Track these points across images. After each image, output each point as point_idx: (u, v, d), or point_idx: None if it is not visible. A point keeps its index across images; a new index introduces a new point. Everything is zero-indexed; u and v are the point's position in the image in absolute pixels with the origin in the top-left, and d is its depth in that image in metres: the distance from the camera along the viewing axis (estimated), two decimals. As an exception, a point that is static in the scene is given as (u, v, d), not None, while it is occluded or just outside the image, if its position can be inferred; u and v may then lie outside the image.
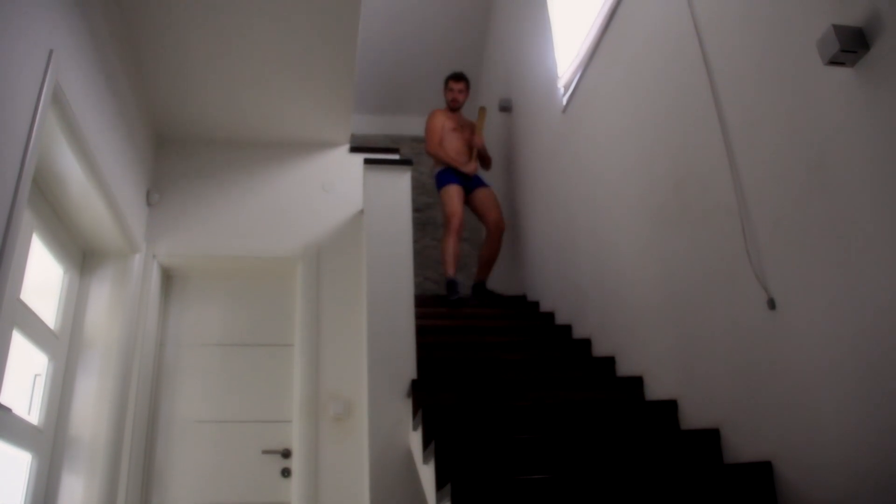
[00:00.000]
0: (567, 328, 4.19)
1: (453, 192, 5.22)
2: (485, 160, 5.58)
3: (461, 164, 5.32)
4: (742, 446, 2.51)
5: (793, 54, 2.22)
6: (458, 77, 5.62)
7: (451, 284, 4.91)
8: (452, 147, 5.43)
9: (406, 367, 3.45)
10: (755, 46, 2.45)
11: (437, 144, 5.39)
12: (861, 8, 1.91)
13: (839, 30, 1.91)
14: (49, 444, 3.45)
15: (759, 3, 2.42)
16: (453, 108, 5.58)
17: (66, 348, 3.66)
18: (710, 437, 2.62)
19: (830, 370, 2.08)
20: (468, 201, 5.33)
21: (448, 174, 5.32)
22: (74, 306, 3.78)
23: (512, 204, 5.80)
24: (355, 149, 4.94)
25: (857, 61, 1.93)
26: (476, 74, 7.30)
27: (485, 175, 5.73)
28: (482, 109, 5.69)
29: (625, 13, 3.55)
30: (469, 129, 5.57)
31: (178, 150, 4.68)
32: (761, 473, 2.31)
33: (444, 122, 5.47)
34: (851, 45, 1.90)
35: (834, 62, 1.96)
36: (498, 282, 6.35)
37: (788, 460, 2.26)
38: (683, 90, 2.95)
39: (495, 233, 5.26)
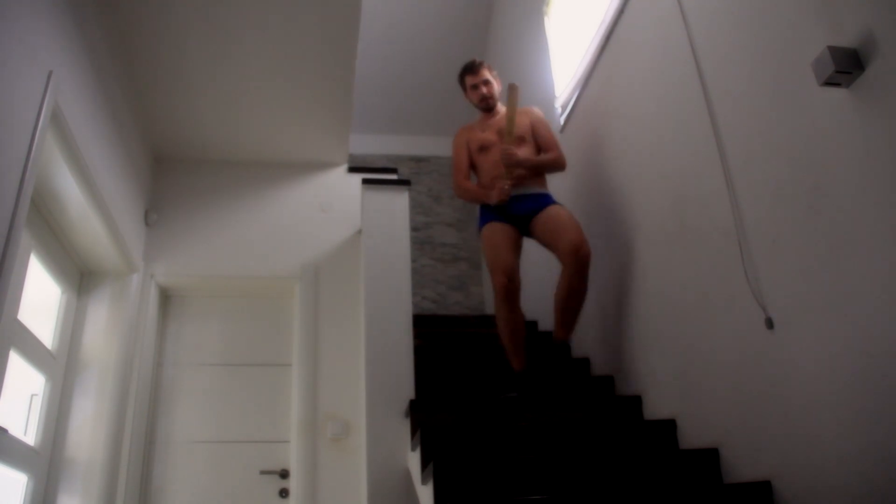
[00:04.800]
0: (565, 346, 4.18)
1: (492, 235, 3.60)
2: (538, 164, 3.72)
3: (486, 197, 3.68)
4: (741, 466, 2.50)
5: (788, 76, 2.24)
6: (474, 68, 3.92)
7: (519, 379, 3.46)
8: (487, 170, 3.79)
9: (404, 386, 3.44)
10: (751, 68, 2.47)
11: (464, 178, 3.86)
12: (855, 29, 1.92)
13: (834, 51, 1.93)
14: (45, 465, 3.43)
15: (755, 24, 2.44)
16: (487, 107, 3.92)
17: (63, 369, 3.65)
18: (710, 457, 2.61)
19: (829, 389, 2.08)
20: (531, 234, 3.66)
21: (485, 210, 3.73)
22: (72, 326, 3.77)
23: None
24: (353, 169, 4.95)
25: (852, 82, 1.95)
26: (474, 94, 7.33)
27: (549, 181, 3.82)
28: (512, 88, 3.71)
29: (622, 34, 3.58)
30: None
31: (176, 171, 4.68)
32: (761, 493, 2.31)
33: (469, 142, 3.91)
34: (846, 66, 1.91)
35: (829, 83, 1.97)
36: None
37: (788, 480, 2.25)
38: (680, 111, 2.97)
39: (572, 260, 3.37)
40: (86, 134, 3.20)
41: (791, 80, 2.22)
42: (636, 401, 3.25)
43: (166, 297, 4.53)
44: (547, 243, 3.57)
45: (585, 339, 3.96)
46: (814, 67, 2.01)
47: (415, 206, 6.82)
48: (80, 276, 3.90)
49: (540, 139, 3.78)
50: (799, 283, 2.21)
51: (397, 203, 3.93)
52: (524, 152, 3.69)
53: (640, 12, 3.38)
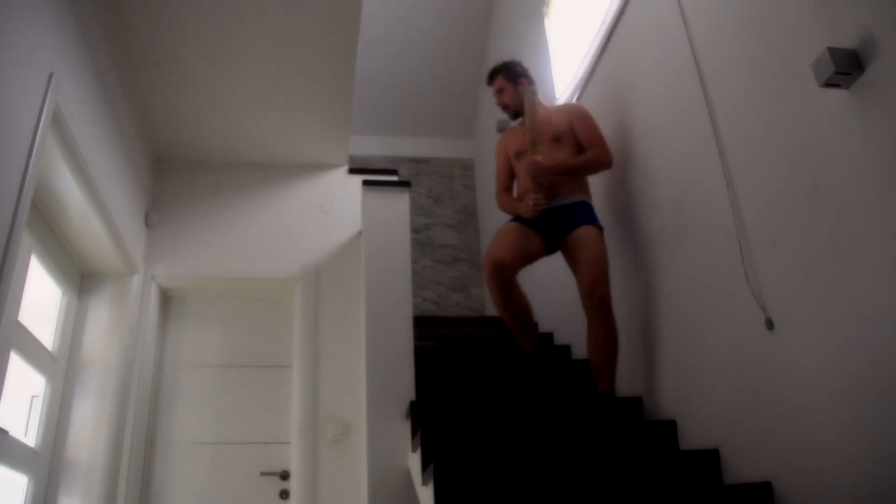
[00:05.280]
0: (566, 348, 4.18)
1: (504, 230, 3.46)
2: (572, 167, 3.43)
3: (521, 209, 3.46)
4: (742, 467, 2.50)
5: (788, 77, 2.24)
6: (488, 78, 3.78)
7: (533, 357, 3.37)
8: (521, 178, 3.59)
9: (405, 388, 3.43)
10: (751, 69, 2.47)
11: (503, 188, 3.71)
12: (855, 30, 1.92)
13: (834, 52, 1.93)
14: (46, 467, 3.43)
15: (755, 25, 2.44)
16: (511, 115, 3.74)
17: (63, 370, 3.65)
18: (710, 458, 2.61)
19: (830, 390, 2.08)
20: (564, 252, 3.42)
21: (515, 217, 3.52)
22: (72, 328, 3.77)
23: (510, 224, 5.81)
24: (354, 170, 4.95)
25: (851, 83, 1.95)
26: (473, 95, 7.34)
27: (589, 190, 3.53)
28: (526, 95, 3.56)
29: (622, 35, 3.58)
30: (549, 130, 3.50)
31: (176, 172, 4.69)
32: (761, 494, 2.30)
33: (507, 147, 3.71)
34: (846, 67, 1.92)
35: (829, 84, 1.97)
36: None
37: (789, 481, 2.25)
38: (680, 112, 2.97)
39: (587, 302, 3.18)
40: (86, 135, 3.20)
41: (791, 81, 2.22)
42: (636, 402, 3.25)
43: (167, 299, 4.53)
44: (572, 270, 3.35)
45: (585, 337, 3.96)
46: (814, 68, 2.01)
47: (415, 208, 6.83)
48: (80, 278, 3.90)
49: (581, 137, 3.47)
50: (799, 284, 2.22)
51: (398, 204, 3.93)
52: (561, 154, 3.41)
53: (640, 13, 3.38)
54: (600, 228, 3.36)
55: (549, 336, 4.53)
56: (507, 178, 3.69)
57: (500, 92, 3.69)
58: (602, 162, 3.42)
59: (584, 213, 3.38)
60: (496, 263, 3.27)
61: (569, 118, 3.52)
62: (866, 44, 1.89)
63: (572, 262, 3.32)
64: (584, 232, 3.31)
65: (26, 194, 2.55)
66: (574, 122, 3.50)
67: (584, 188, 3.48)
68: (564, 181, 3.40)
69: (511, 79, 3.67)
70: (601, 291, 3.14)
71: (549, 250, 3.45)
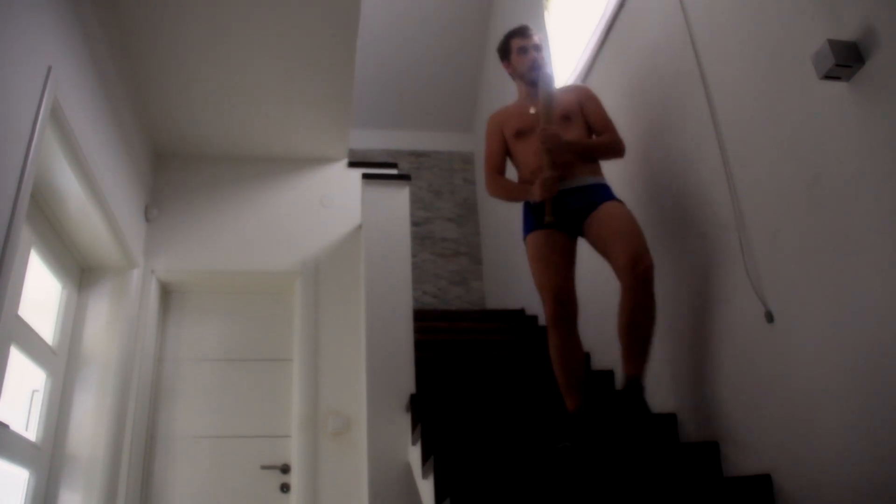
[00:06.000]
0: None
1: (538, 248, 2.98)
2: (592, 147, 3.10)
3: (527, 193, 3.05)
4: (741, 459, 2.50)
5: (788, 69, 2.23)
6: (523, 30, 3.31)
7: (576, 421, 2.81)
8: (526, 161, 3.16)
9: (405, 381, 3.44)
10: (751, 61, 2.46)
11: (497, 171, 3.23)
12: (856, 23, 1.92)
13: (834, 44, 1.92)
14: (47, 461, 3.43)
15: (755, 18, 2.44)
16: (535, 80, 3.18)
17: (64, 364, 3.65)
18: (710, 450, 2.62)
19: (829, 383, 2.08)
20: (585, 236, 3.01)
21: (529, 213, 3.09)
22: (72, 322, 3.77)
23: (511, 217, 5.80)
24: (354, 164, 4.94)
25: (852, 76, 1.94)
26: (474, 89, 7.33)
27: (605, 170, 3.15)
28: (541, 77, 3.16)
29: (622, 29, 3.57)
30: (560, 108, 3.13)
31: (176, 166, 4.68)
32: (761, 487, 2.31)
33: (504, 127, 3.26)
34: (846, 59, 1.91)
35: (829, 76, 1.97)
36: (497, 295, 6.36)
37: (788, 474, 2.25)
38: (680, 105, 2.96)
39: (629, 275, 2.73)
40: (85, 129, 3.20)
41: (791, 73, 2.22)
42: (636, 395, 3.25)
43: (167, 293, 4.53)
44: (601, 251, 2.94)
45: (585, 333, 3.95)
46: (814, 60, 2.00)
47: (415, 201, 6.81)
48: (80, 272, 3.90)
49: (592, 119, 3.14)
50: (799, 277, 2.21)
51: (397, 198, 3.93)
52: (575, 134, 3.08)
53: (640, 6, 3.37)
54: (622, 202, 3.00)
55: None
56: (501, 160, 3.24)
57: (536, 48, 3.22)
58: (618, 148, 3.11)
59: (604, 192, 3.00)
60: (560, 295, 2.81)
61: (577, 97, 3.20)
62: (866, 36, 1.89)
63: (601, 240, 2.89)
64: (611, 206, 2.93)
65: (25, 189, 2.55)
66: (584, 102, 3.18)
67: (599, 171, 3.10)
68: (578, 162, 3.03)
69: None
70: (646, 263, 2.72)
71: (569, 237, 3.01)
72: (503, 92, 6.25)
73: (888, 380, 1.85)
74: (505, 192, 3.20)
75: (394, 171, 4.67)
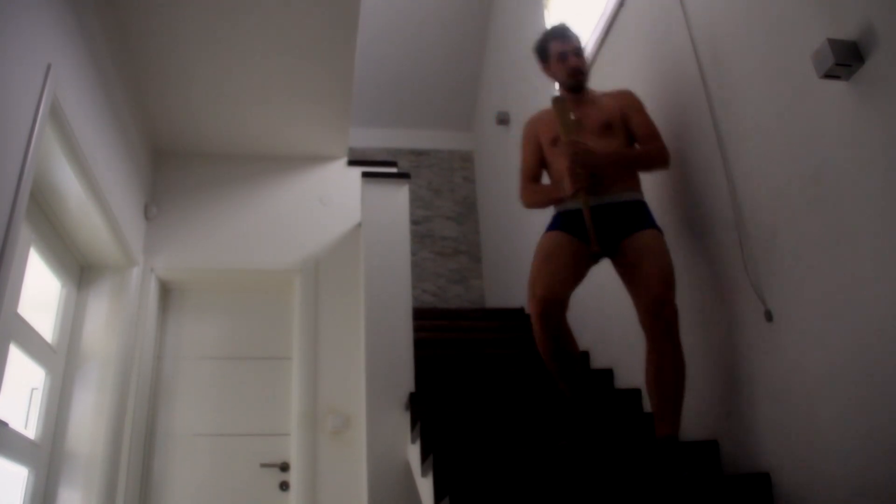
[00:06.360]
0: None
1: (548, 244, 2.78)
2: (630, 159, 2.90)
3: (558, 189, 2.85)
4: (740, 458, 2.50)
5: (788, 68, 2.23)
6: (564, 32, 3.05)
7: (575, 407, 2.74)
8: (559, 169, 2.88)
9: (404, 379, 3.44)
10: (752, 60, 2.46)
11: (528, 182, 3.03)
12: (855, 22, 1.92)
13: (834, 43, 1.92)
14: (46, 459, 3.44)
15: (755, 17, 2.43)
16: (576, 84, 2.98)
17: (63, 362, 3.65)
18: (709, 449, 2.62)
19: (828, 382, 2.08)
20: (615, 260, 2.78)
21: (555, 218, 2.88)
22: (72, 320, 3.77)
23: (510, 216, 5.81)
24: (353, 162, 4.94)
25: (851, 75, 1.94)
26: (473, 88, 7.33)
27: (641, 187, 2.91)
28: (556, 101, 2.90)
29: (621, 27, 3.57)
30: (600, 117, 2.92)
31: (175, 164, 4.68)
32: (760, 485, 2.31)
33: (539, 134, 3.04)
34: (846, 58, 1.91)
35: (829, 76, 1.97)
36: (496, 294, 6.36)
37: (787, 472, 2.26)
38: (680, 104, 2.96)
39: (651, 320, 2.56)
40: (85, 127, 3.20)
41: (791, 72, 2.22)
42: (636, 393, 3.26)
43: (166, 291, 4.53)
44: (625, 282, 2.72)
45: (585, 331, 3.96)
46: (813, 60, 2.00)
47: (415, 200, 6.81)
48: (79, 270, 3.90)
49: (635, 128, 2.90)
50: (799, 275, 2.22)
51: (397, 196, 3.93)
52: (615, 144, 2.86)
53: (640, 4, 3.37)
54: (661, 231, 2.77)
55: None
56: (537, 168, 3.02)
57: (577, 54, 2.99)
58: (663, 158, 2.84)
59: (643, 215, 2.77)
60: (544, 302, 2.60)
61: (620, 104, 2.95)
62: (866, 35, 1.89)
63: (630, 272, 2.68)
64: (648, 237, 2.70)
65: (25, 186, 2.55)
66: (627, 110, 2.94)
67: (638, 185, 2.87)
68: (617, 175, 2.80)
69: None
70: (670, 308, 2.53)
71: (594, 258, 2.80)
72: (503, 90, 6.26)
73: (887, 379, 1.85)
74: (539, 195, 2.99)
75: (393, 170, 4.67)
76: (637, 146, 2.90)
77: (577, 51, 2.99)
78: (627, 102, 2.97)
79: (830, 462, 2.06)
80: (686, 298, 2.91)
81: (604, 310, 3.72)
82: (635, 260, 2.66)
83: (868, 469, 1.92)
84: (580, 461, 2.52)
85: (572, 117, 2.83)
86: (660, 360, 2.52)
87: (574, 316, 3.32)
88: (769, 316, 2.34)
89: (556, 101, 2.87)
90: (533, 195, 3.00)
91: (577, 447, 2.55)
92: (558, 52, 2.98)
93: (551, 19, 4.91)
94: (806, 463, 2.17)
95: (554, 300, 2.60)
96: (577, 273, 2.73)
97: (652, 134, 2.88)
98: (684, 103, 2.92)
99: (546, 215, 2.96)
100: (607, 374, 3.57)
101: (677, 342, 2.53)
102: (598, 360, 3.77)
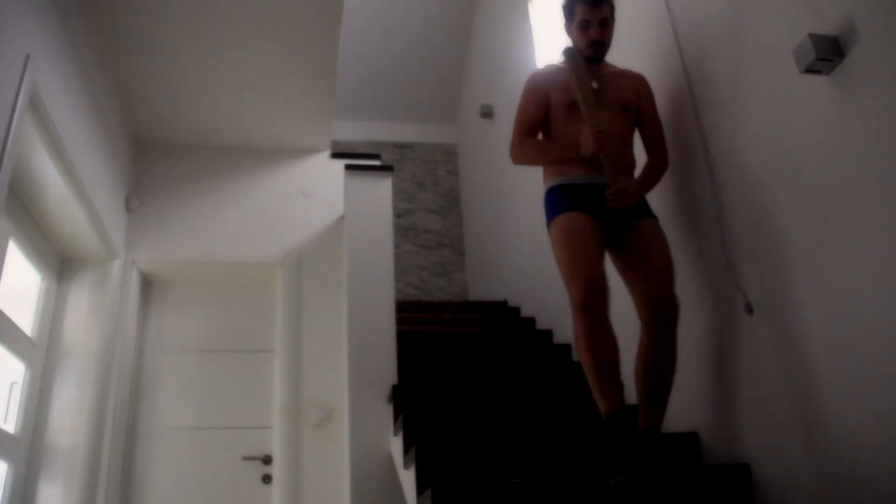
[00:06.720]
0: (548, 333, 4.20)
1: (571, 229, 2.56)
2: (653, 185, 2.77)
3: (571, 148, 2.63)
4: (721, 449, 2.52)
5: (770, 63, 2.24)
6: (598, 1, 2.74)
7: (612, 425, 2.35)
8: (572, 139, 2.63)
9: (387, 372, 3.44)
10: (733, 55, 2.47)
11: (528, 134, 2.77)
12: (836, 17, 1.93)
13: (815, 38, 1.93)
14: (26, 453, 3.41)
15: (737, 12, 2.44)
16: (595, 56, 2.77)
17: (43, 356, 3.62)
18: (690, 441, 2.64)
19: (807, 375, 2.10)
20: (616, 247, 2.64)
21: (559, 193, 2.68)
22: (52, 313, 3.74)
23: (494, 209, 5.81)
24: (336, 155, 4.93)
25: (832, 70, 1.95)
26: (457, 81, 7.32)
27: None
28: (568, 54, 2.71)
29: (604, 20, 3.57)
30: (618, 95, 2.75)
31: (157, 156, 4.64)
32: (740, 476, 2.33)
33: (551, 90, 2.78)
34: (827, 53, 1.92)
35: (810, 70, 1.98)
36: (479, 287, 6.36)
37: (766, 463, 2.28)
38: (663, 97, 2.97)
39: (650, 313, 2.48)
40: (65, 118, 3.17)
41: (772, 67, 2.23)
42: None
43: (148, 284, 4.50)
44: (623, 270, 2.62)
45: (567, 324, 3.97)
46: (795, 55, 2.01)
47: (398, 193, 6.82)
48: (60, 263, 3.87)
49: (644, 120, 2.78)
50: (779, 269, 2.23)
51: (380, 189, 3.92)
52: (628, 131, 2.74)
53: (624, 0, 3.38)
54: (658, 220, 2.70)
55: (531, 321, 4.54)
56: (537, 124, 2.76)
57: (603, 24, 2.74)
58: (667, 164, 2.80)
59: (643, 201, 2.68)
60: (595, 280, 2.41)
61: (636, 88, 2.80)
62: (847, 30, 1.90)
63: (632, 261, 2.56)
64: (652, 227, 2.62)
65: (3, 178, 2.52)
66: (641, 98, 2.79)
67: (634, 167, 2.76)
68: (626, 153, 2.70)
69: (614, 15, 2.80)
70: (675, 303, 2.46)
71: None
72: (487, 83, 6.25)
73: (866, 371, 1.87)
74: (538, 152, 2.76)
75: (377, 163, 4.66)
76: (641, 136, 2.80)
77: (604, 20, 2.74)
78: (643, 90, 2.82)
79: (810, 453, 2.08)
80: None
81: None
82: (640, 249, 2.56)
83: (845, 461, 1.94)
84: (562, 454, 2.53)
85: (594, 85, 2.67)
86: (656, 353, 2.45)
87: (556, 310, 3.30)
88: (749, 309, 2.36)
89: (572, 62, 2.64)
90: (530, 150, 2.76)
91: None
92: (582, 19, 2.74)
93: (536, 12, 4.92)
94: (786, 455, 2.19)
95: (599, 284, 2.41)
96: (602, 253, 2.56)
97: (659, 135, 2.79)
98: (667, 98, 2.93)
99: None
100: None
101: (675, 337, 2.47)
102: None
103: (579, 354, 2.44)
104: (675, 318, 2.46)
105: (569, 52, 2.67)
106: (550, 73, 2.83)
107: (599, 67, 2.79)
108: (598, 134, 2.50)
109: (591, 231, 2.53)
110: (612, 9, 2.77)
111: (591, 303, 2.38)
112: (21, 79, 2.66)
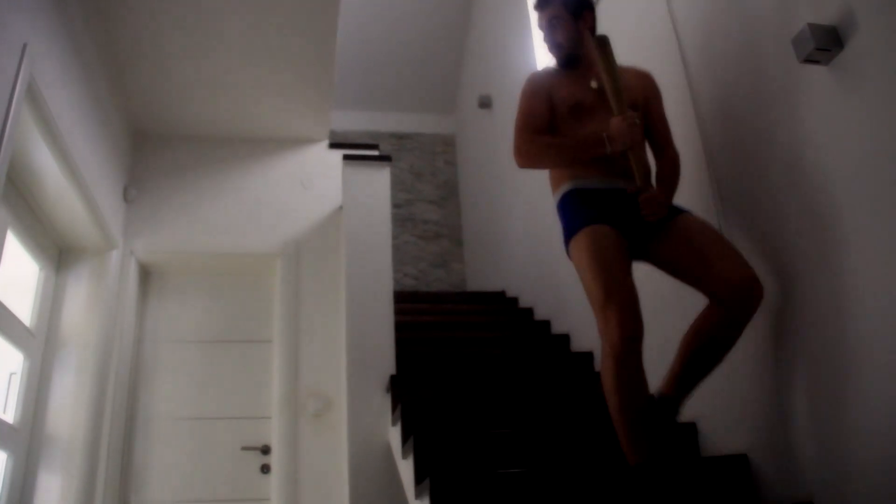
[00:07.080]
0: (546, 324, 4.20)
1: (597, 247, 2.31)
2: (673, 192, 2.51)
3: (597, 144, 2.37)
4: (719, 440, 2.53)
5: (768, 52, 2.24)
6: (543, 3, 2.64)
7: (640, 475, 2.16)
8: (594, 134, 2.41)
9: (385, 362, 3.45)
10: (731, 44, 2.47)
11: (537, 132, 2.50)
12: (835, 7, 1.93)
13: (814, 28, 1.93)
14: (25, 443, 3.41)
15: (736, 1, 2.44)
16: (562, 61, 2.62)
17: (42, 346, 3.62)
18: (688, 431, 2.65)
19: (805, 364, 2.10)
20: (648, 256, 2.43)
21: (578, 200, 2.44)
22: (51, 304, 3.74)
23: (492, 200, 5.81)
24: (334, 145, 4.92)
25: (831, 60, 1.95)
26: (455, 71, 7.30)
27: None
28: (602, 43, 2.42)
29: (604, 10, 3.56)
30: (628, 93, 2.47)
31: (155, 146, 4.64)
32: (738, 466, 2.34)
33: (553, 91, 2.57)
34: (826, 43, 1.92)
35: (809, 60, 1.98)
36: (478, 278, 6.37)
37: (764, 454, 2.28)
38: (661, 88, 2.97)
39: (739, 298, 2.17)
40: (63, 108, 3.16)
41: (771, 57, 2.23)
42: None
43: (146, 274, 4.50)
44: (686, 268, 2.32)
45: (566, 315, 3.98)
46: (794, 45, 2.01)
47: (396, 183, 6.81)
48: (58, 253, 3.87)
49: (652, 121, 2.58)
50: (775, 261, 2.23)
51: (378, 179, 3.92)
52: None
53: (622, -12, 3.37)
54: None
55: (529, 311, 4.54)
56: (544, 124, 2.51)
57: (552, 25, 2.58)
58: (679, 163, 2.60)
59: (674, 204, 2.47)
60: (633, 323, 2.18)
61: (644, 86, 2.60)
62: (846, 20, 1.89)
63: (694, 257, 2.28)
64: (691, 220, 2.36)
65: (1, 168, 2.52)
66: (650, 97, 2.60)
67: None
68: (645, 155, 2.53)
69: (573, 10, 2.58)
70: (761, 290, 2.17)
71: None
72: (485, 74, 6.24)
73: (863, 362, 1.87)
74: (554, 151, 2.48)
75: (375, 153, 4.65)
76: (648, 135, 2.58)
77: (552, 20, 2.59)
78: (651, 89, 2.63)
79: (805, 445, 2.09)
80: (668, 284, 2.92)
81: (583, 295, 3.74)
82: (697, 245, 2.28)
83: (840, 452, 1.95)
84: (561, 444, 2.54)
85: (593, 84, 2.53)
86: (720, 336, 2.21)
87: (555, 300, 3.30)
88: (748, 300, 2.36)
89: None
90: (549, 149, 2.47)
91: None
92: (538, 24, 2.67)
93: (533, 1, 4.89)
94: (782, 445, 2.19)
95: (639, 326, 2.18)
96: (631, 273, 2.32)
97: (667, 137, 2.59)
98: (665, 87, 2.92)
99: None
100: (587, 356, 3.58)
101: (748, 323, 2.21)
102: (579, 344, 3.79)
103: (606, 396, 2.23)
104: (760, 300, 2.17)
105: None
106: (550, 75, 2.65)
107: (579, 71, 2.60)
108: (633, 125, 2.31)
109: (619, 247, 2.29)
110: (565, 7, 2.57)
111: (630, 348, 2.15)
112: (18, 68, 2.65)
